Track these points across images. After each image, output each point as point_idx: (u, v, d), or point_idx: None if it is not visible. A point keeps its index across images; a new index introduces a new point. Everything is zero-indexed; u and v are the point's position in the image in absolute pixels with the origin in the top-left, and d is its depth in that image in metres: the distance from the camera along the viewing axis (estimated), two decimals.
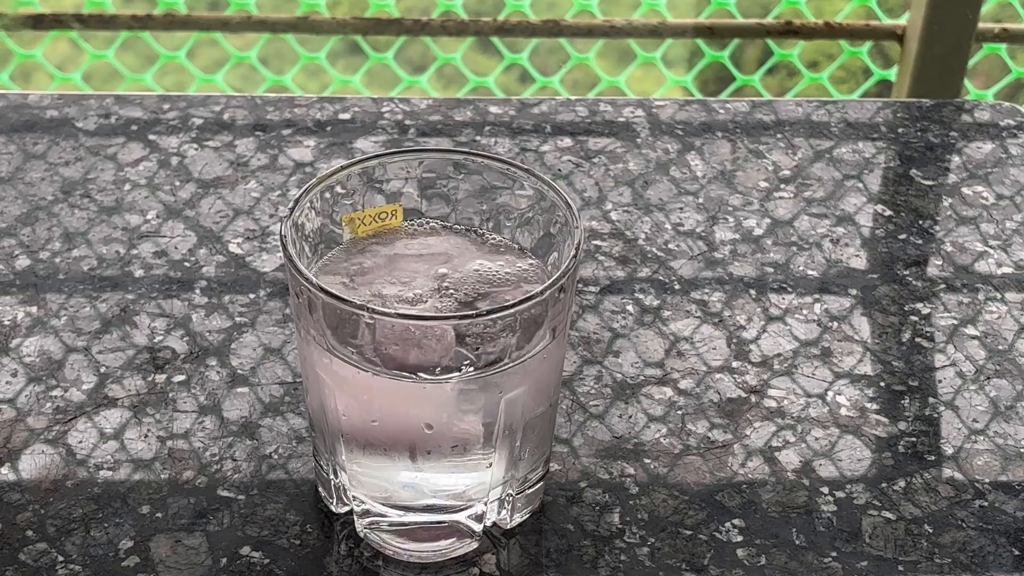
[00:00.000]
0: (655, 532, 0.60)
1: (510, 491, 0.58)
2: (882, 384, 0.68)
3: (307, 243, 0.57)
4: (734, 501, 0.61)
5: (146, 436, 0.63)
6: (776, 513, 0.61)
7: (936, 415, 0.66)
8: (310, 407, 0.58)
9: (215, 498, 0.60)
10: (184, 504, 0.60)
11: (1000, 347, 0.71)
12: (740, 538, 0.60)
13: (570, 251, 0.54)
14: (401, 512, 0.57)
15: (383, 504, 0.57)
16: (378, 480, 0.57)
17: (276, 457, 0.62)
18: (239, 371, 0.67)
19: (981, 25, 1.39)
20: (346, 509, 0.59)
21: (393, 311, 0.53)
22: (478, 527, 0.58)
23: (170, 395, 0.65)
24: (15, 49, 1.64)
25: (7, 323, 0.69)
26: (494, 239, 0.59)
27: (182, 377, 0.66)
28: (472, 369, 0.53)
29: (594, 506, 0.61)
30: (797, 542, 0.60)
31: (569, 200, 0.56)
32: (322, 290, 0.52)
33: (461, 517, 0.57)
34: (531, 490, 0.59)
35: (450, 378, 0.53)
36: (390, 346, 0.52)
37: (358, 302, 0.51)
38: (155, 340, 0.68)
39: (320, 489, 0.60)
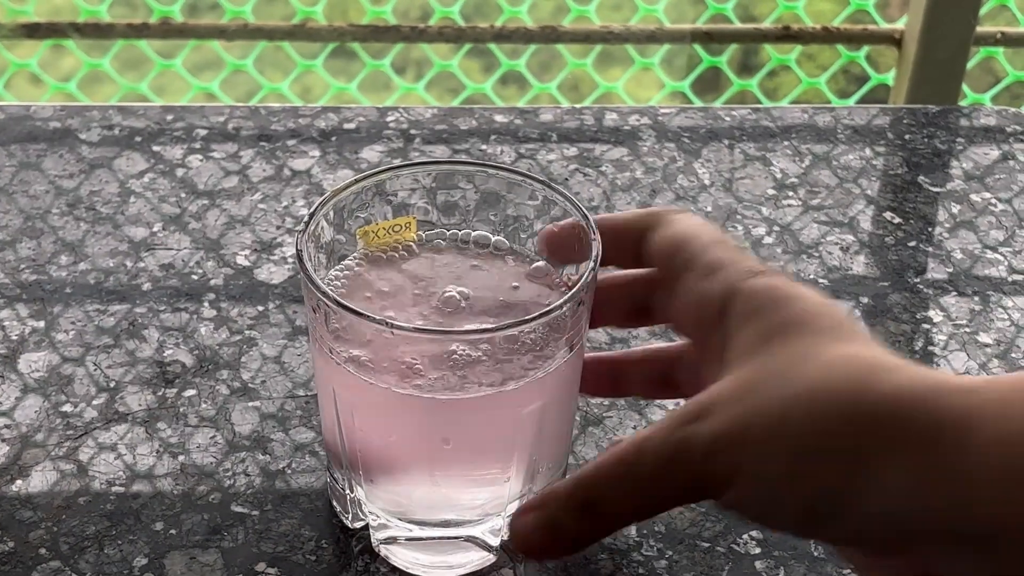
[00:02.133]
0: (672, 545, 0.59)
1: None
2: None
3: (322, 252, 0.56)
4: None
5: (158, 451, 0.63)
6: None
7: None
8: (325, 422, 0.57)
9: (229, 514, 0.60)
10: (198, 520, 0.59)
11: (1013, 354, 0.70)
12: (758, 550, 0.59)
13: (588, 264, 0.54)
14: (418, 527, 0.56)
15: (400, 519, 0.57)
16: (395, 495, 0.56)
17: (289, 472, 0.62)
18: (250, 384, 0.66)
19: (979, 29, 1.39)
20: (362, 524, 0.58)
21: (413, 326, 0.52)
22: (495, 541, 0.57)
23: (181, 409, 0.65)
24: (11, 59, 1.64)
25: (14, 338, 0.69)
26: (508, 250, 0.59)
27: (192, 391, 0.66)
28: (491, 384, 0.52)
29: None
30: (816, 554, 0.59)
31: (586, 211, 0.56)
32: (340, 305, 0.51)
33: (478, 531, 0.57)
34: None
35: (469, 394, 0.52)
36: (406, 360, 0.52)
37: (377, 317, 0.51)
38: (164, 354, 0.68)
39: (335, 503, 0.60)
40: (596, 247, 0.54)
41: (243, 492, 0.61)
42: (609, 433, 0.64)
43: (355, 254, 0.58)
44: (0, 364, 0.67)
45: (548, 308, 0.51)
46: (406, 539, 0.57)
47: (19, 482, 0.61)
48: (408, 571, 0.57)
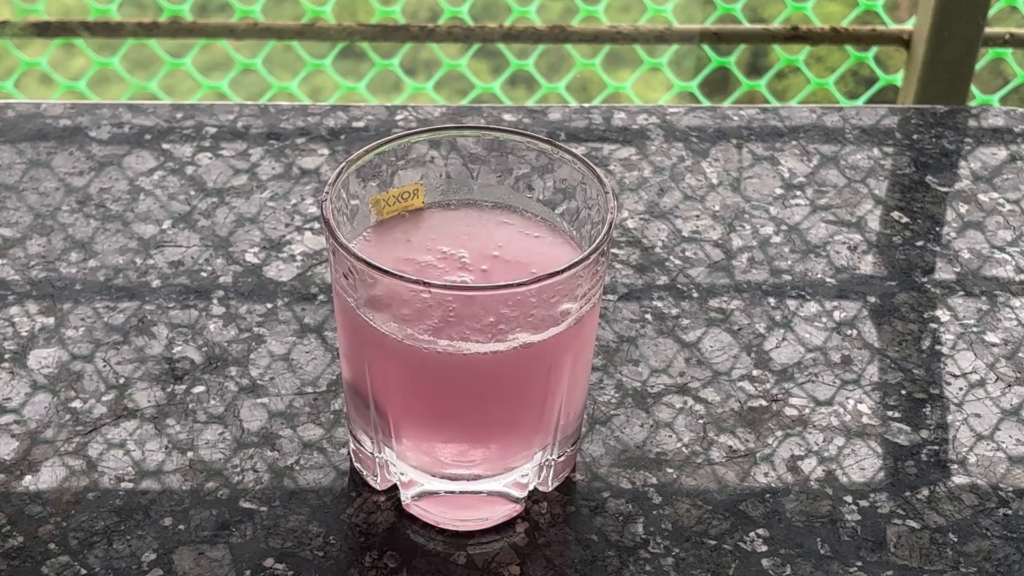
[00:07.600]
0: (679, 542, 0.60)
1: (550, 456, 0.59)
2: (903, 392, 0.68)
3: (345, 218, 0.58)
4: (758, 511, 0.61)
5: (167, 447, 0.63)
6: (800, 523, 0.61)
7: (958, 423, 0.66)
8: (353, 386, 0.58)
9: (237, 510, 0.60)
10: (206, 516, 0.60)
11: (1020, 353, 0.70)
12: (765, 548, 0.59)
13: (605, 215, 0.56)
14: (448, 481, 0.58)
15: (430, 475, 0.58)
16: (425, 452, 0.58)
17: (297, 468, 0.62)
18: (258, 381, 0.66)
19: (988, 30, 1.39)
20: (389, 485, 0.60)
21: (447, 283, 0.53)
22: (522, 493, 0.59)
23: (190, 406, 0.65)
24: (21, 58, 1.64)
25: (24, 334, 0.69)
26: (525, 213, 0.61)
27: (201, 388, 0.66)
28: (524, 336, 0.54)
29: (618, 516, 0.61)
30: (822, 552, 0.59)
31: (594, 166, 0.58)
32: (373, 267, 0.52)
33: (506, 484, 0.59)
34: (566, 456, 0.61)
35: (499, 348, 0.54)
36: (442, 318, 0.53)
37: (413, 277, 0.52)
38: (173, 351, 0.68)
39: (359, 467, 0.61)
40: (611, 199, 0.56)
41: (251, 488, 0.61)
42: (616, 432, 0.65)
43: (371, 221, 0.60)
44: (10, 360, 0.67)
45: (574, 261, 0.53)
46: (435, 494, 0.58)
47: (28, 477, 0.61)
48: (438, 525, 0.59)
